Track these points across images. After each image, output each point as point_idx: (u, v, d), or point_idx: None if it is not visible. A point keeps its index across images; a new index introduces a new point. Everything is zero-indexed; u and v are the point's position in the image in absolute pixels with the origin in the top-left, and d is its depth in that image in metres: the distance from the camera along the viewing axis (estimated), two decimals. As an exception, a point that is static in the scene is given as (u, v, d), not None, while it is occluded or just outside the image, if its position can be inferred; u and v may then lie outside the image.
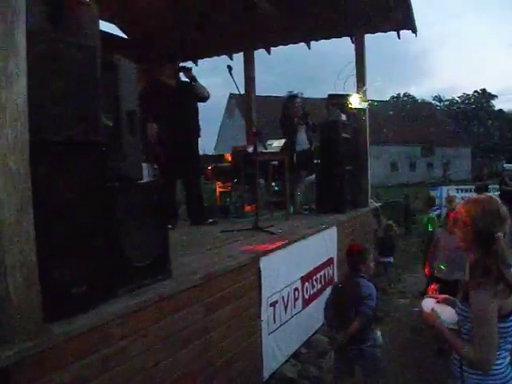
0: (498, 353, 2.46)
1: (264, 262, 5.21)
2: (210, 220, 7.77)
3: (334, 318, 4.83)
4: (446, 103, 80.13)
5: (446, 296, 2.98)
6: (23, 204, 2.59)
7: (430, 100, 76.72)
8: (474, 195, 3.35)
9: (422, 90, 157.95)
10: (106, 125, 3.44)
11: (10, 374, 2.47)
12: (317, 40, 11.72)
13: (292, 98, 9.66)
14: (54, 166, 2.94)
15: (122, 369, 3.20)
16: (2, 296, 2.53)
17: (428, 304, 2.88)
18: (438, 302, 2.91)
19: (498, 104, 78.94)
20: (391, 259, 10.18)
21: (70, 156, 3.05)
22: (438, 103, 78.80)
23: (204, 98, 7.74)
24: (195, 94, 7.60)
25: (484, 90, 76.45)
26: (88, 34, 3.18)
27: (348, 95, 9.89)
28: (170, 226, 6.01)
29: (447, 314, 2.73)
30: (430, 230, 9.55)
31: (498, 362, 2.47)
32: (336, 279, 7.62)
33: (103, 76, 3.31)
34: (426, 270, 7.09)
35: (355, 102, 9.91)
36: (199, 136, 7.89)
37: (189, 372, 3.91)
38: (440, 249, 6.47)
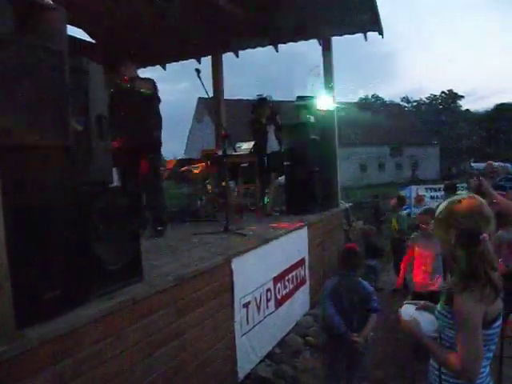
0: None
1: (236, 263, 5.23)
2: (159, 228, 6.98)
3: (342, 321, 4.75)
4: (414, 104, 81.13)
5: (426, 302, 2.84)
6: (-7, 209, 2.59)
7: (398, 101, 77.69)
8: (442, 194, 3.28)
9: (390, 92, 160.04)
10: (76, 129, 3.44)
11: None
12: (284, 43, 11.83)
13: (261, 101, 9.70)
14: (24, 171, 2.93)
15: (97, 372, 3.21)
16: (-27, 301, 2.53)
17: (408, 311, 2.76)
18: (418, 308, 2.78)
19: (465, 104, 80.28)
20: (374, 262, 10.09)
21: (39, 160, 3.04)
22: (406, 104, 79.76)
23: (148, 95, 6.99)
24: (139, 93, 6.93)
25: (451, 91, 77.58)
26: (56, 38, 3.19)
27: (316, 97, 10.00)
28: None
29: (427, 321, 2.62)
30: (402, 228, 9.71)
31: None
32: (308, 280, 7.70)
33: (72, 80, 3.31)
34: (398, 282, 6.94)
35: (323, 103, 10.02)
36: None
37: (164, 374, 3.92)
38: (416, 257, 6.22)
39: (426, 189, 19.03)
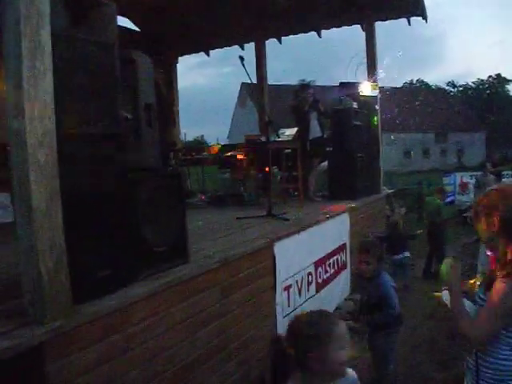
0: (509, 353, 2.37)
1: (278, 247, 5.37)
2: None
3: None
4: (460, 89, 79.51)
5: (465, 290, 2.80)
6: (52, 193, 2.78)
7: (444, 86, 76.21)
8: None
9: (436, 76, 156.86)
10: (126, 117, 3.61)
11: (43, 351, 2.67)
12: (327, 28, 11.84)
13: (304, 86, 9.73)
14: (79, 158, 3.13)
15: (144, 348, 3.40)
16: (34, 278, 2.73)
17: (447, 296, 2.72)
18: None
19: (513, 89, 78.01)
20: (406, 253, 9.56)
21: (93, 148, 3.23)
22: (452, 89, 78.24)
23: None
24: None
25: (499, 75, 75.74)
26: (107, 31, 3.35)
27: (359, 83, 10.00)
28: None
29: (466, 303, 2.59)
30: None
31: None
32: (349, 265, 7.77)
33: (122, 71, 3.47)
34: None
35: (367, 89, 10.01)
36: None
37: (207, 352, 4.09)
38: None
39: (470, 176, 18.71)
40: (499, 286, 2.33)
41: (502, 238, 2.41)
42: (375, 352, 4.79)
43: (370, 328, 4.80)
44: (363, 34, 11.06)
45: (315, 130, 9.45)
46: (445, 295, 2.79)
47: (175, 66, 13.43)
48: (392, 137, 42.37)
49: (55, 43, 2.82)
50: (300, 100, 9.56)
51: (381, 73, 10.80)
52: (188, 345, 3.87)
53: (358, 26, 11.18)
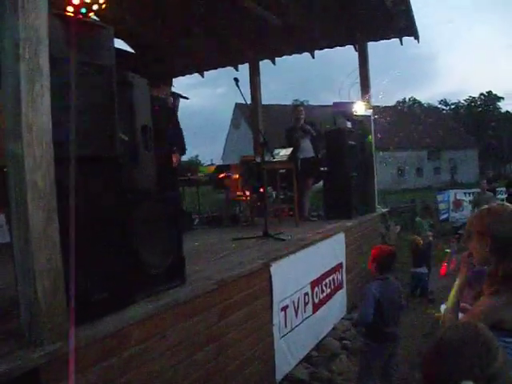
0: None
1: (275, 268, 5.36)
2: None
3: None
4: (452, 107, 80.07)
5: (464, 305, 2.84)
6: (49, 215, 2.79)
7: (436, 104, 76.74)
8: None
9: (428, 95, 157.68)
10: (123, 140, 3.62)
11: (39, 374, 2.65)
12: (321, 49, 11.95)
13: (295, 107, 9.87)
14: (76, 180, 3.12)
15: (142, 371, 3.38)
16: (31, 300, 2.73)
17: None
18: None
19: (504, 106, 78.74)
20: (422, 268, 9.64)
21: (90, 170, 3.24)
22: (445, 107, 78.78)
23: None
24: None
25: (490, 92, 76.34)
26: (104, 54, 3.39)
27: (353, 102, 10.08)
28: None
29: None
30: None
31: None
32: (345, 284, 7.77)
33: (119, 93, 3.50)
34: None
35: (360, 109, 10.09)
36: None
37: (204, 374, 4.07)
38: None
39: (464, 193, 18.80)
40: (484, 300, 2.41)
41: (493, 257, 2.45)
42: (359, 362, 4.87)
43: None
44: (356, 54, 11.17)
45: (307, 150, 9.51)
46: (443, 310, 2.85)
47: (170, 87, 13.47)
48: (381, 153, 42.52)
49: (53, 66, 2.84)
50: (293, 121, 9.67)
51: (373, 93, 10.91)
52: (185, 367, 3.84)
53: (351, 46, 11.30)
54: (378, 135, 12.01)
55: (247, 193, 9.48)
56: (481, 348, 1.58)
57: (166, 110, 7.45)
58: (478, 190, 15.69)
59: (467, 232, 2.64)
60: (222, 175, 10.09)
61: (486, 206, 2.66)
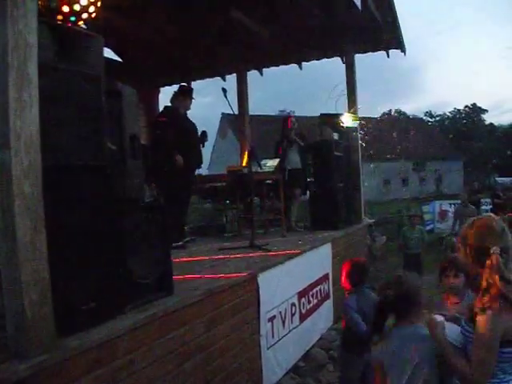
0: (503, 376, 2.43)
1: (262, 278, 5.35)
2: (187, 239, 7.66)
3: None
4: (437, 118, 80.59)
5: (455, 314, 2.99)
6: (37, 225, 2.76)
7: (422, 116, 77.21)
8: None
9: (414, 106, 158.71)
10: (110, 149, 3.61)
11: (26, 387, 2.61)
12: (308, 61, 12.01)
13: (284, 118, 9.96)
14: (64, 189, 3.11)
15: (130, 381, 3.35)
16: (18, 312, 2.69)
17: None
18: (447, 319, 2.90)
19: (488, 118, 79.38)
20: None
21: (78, 179, 3.22)
22: (430, 119, 79.23)
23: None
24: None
25: (474, 105, 76.96)
26: (94, 63, 3.38)
27: (339, 114, 10.13)
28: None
29: (454, 331, 2.71)
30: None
31: None
32: (331, 295, 7.77)
33: (107, 102, 3.49)
34: None
35: (347, 120, 10.14)
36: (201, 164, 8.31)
37: (192, 384, 4.05)
38: None
39: (449, 204, 18.88)
40: (480, 319, 2.41)
41: (476, 266, 2.55)
42: (341, 375, 4.87)
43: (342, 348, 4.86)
44: (343, 65, 11.24)
45: (294, 161, 9.52)
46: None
47: (157, 97, 13.50)
48: (371, 165, 42.71)
49: (42, 74, 2.83)
50: (283, 132, 9.71)
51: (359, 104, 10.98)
52: (173, 378, 3.81)
53: (339, 58, 11.37)
54: (364, 146, 12.04)
55: (233, 203, 9.46)
56: None
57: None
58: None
59: (457, 245, 2.75)
60: (208, 185, 10.05)
61: (472, 218, 2.73)
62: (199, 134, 7.93)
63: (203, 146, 8.14)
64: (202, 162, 8.32)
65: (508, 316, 2.37)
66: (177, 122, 7.42)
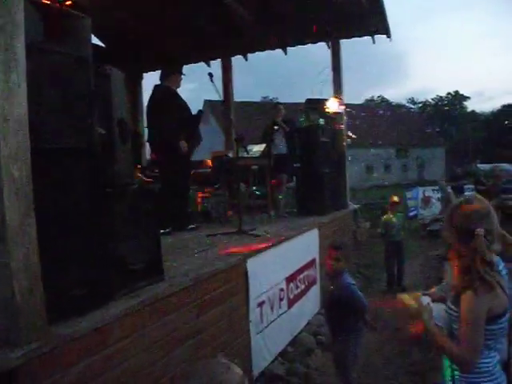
0: (487, 352, 2.49)
1: (250, 264, 5.33)
2: (192, 226, 7.71)
3: None
4: (420, 105, 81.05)
5: (442, 295, 3.03)
6: (26, 209, 2.69)
7: (404, 102, 77.61)
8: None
9: (396, 93, 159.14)
10: (99, 132, 3.54)
11: (17, 375, 2.56)
12: (293, 46, 11.94)
13: (275, 105, 9.96)
14: (53, 173, 3.04)
15: (122, 368, 3.31)
16: (8, 298, 2.62)
17: (424, 302, 2.94)
18: (433, 300, 2.99)
19: (470, 105, 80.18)
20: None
21: (66, 163, 3.16)
22: (412, 105, 79.69)
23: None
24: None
25: (457, 92, 77.53)
26: (82, 46, 3.30)
27: (325, 100, 10.10)
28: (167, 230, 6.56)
29: (440, 312, 2.76)
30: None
31: (487, 360, 2.50)
32: (318, 280, 7.77)
33: (96, 85, 3.41)
34: None
35: (333, 106, 10.11)
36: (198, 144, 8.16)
37: (182, 370, 4.01)
38: None
39: (432, 190, 18.89)
40: (464, 298, 2.48)
41: (459, 245, 2.62)
42: (339, 358, 4.84)
43: (343, 333, 4.81)
44: (329, 51, 11.20)
45: (280, 146, 9.50)
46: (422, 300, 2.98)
47: (140, 83, 13.38)
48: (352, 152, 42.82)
49: (29, 55, 2.74)
50: (272, 118, 9.71)
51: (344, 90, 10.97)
52: (164, 364, 3.78)
53: (324, 43, 11.32)
54: (349, 133, 12.02)
55: (220, 189, 9.41)
56: None
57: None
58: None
59: (444, 224, 2.81)
60: (192, 171, 9.97)
61: (457, 199, 2.84)
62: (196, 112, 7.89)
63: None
64: (201, 139, 8.21)
65: (489, 294, 2.43)
66: (174, 101, 7.37)
